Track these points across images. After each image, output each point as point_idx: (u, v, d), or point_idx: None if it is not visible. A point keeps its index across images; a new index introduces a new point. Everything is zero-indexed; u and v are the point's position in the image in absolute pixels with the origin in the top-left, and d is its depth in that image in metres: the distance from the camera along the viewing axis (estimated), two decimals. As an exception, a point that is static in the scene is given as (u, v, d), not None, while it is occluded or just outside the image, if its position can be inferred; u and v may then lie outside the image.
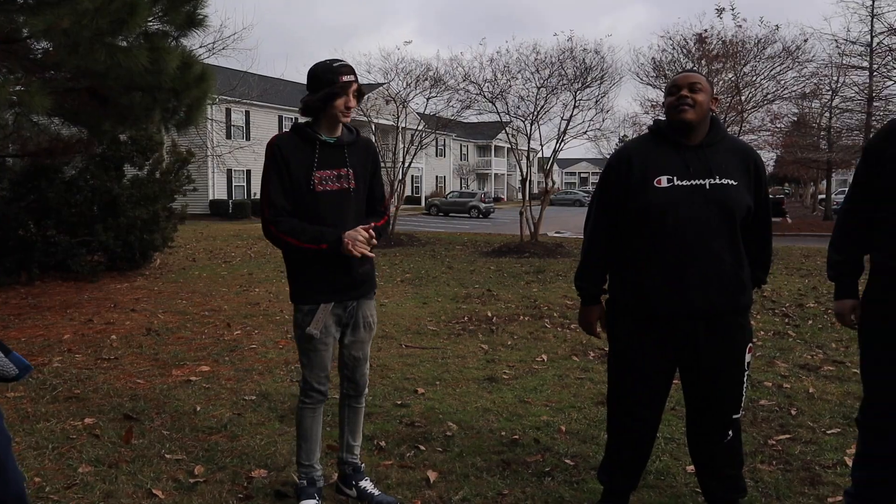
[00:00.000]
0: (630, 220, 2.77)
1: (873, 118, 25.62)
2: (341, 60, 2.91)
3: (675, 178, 2.69)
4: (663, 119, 2.86)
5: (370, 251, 2.91)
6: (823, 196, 35.08)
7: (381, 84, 21.83)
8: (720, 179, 2.68)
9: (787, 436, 4.02)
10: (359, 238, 2.86)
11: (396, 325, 7.38)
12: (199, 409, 4.51)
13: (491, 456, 3.75)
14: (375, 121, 20.60)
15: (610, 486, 2.99)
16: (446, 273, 12.17)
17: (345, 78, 2.86)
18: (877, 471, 2.77)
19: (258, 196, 26.71)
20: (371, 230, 2.93)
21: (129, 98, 7.34)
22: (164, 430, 4.12)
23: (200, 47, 18.54)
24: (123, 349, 6.21)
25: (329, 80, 2.87)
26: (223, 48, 18.33)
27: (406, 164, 18.85)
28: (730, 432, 2.81)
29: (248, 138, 34.79)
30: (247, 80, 27.49)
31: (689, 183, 2.68)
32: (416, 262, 14.03)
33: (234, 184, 34.68)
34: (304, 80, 3.04)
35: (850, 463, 3.58)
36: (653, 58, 19.76)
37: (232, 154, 26.48)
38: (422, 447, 3.86)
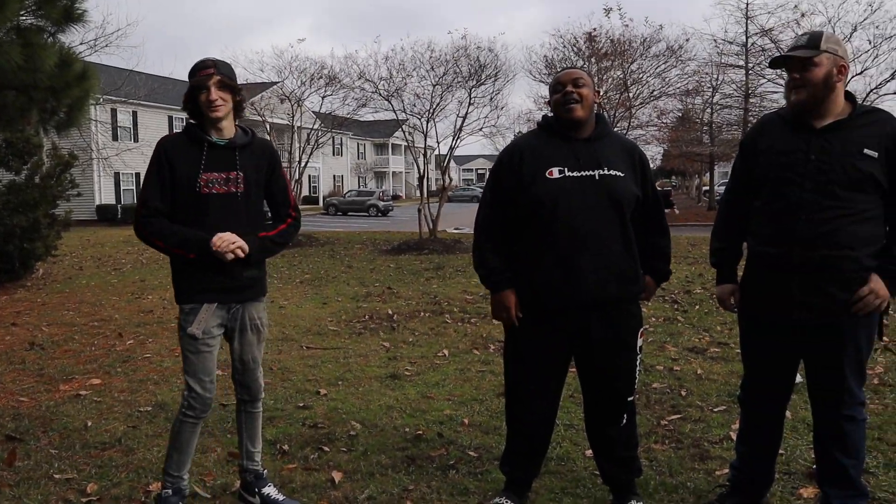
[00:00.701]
0: (522, 212, 2.84)
1: (750, 114, 27.11)
2: (210, 58, 2.86)
3: (565, 170, 2.78)
4: (552, 115, 2.95)
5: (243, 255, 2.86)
6: (707, 188, 36.84)
7: (275, 83, 21.45)
8: (609, 171, 2.79)
9: (678, 416, 4.23)
10: (228, 242, 2.81)
11: (297, 326, 7.28)
12: (90, 424, 4.32)
13: (395, 453, 3.77)
14: (270, 120, 20.21)
15: (511, 475, 3.06)
16: (346, 272, 12.10)
17: (203, 73, 2.81)
18: (757, 444, 2.96)
19: (148, 199, 25.79)
20: (257, 239, 2.90)
21: (2, 97, 6.92)
22: (51, 450, 3.92)
23: (81, 44, 17.64)
24: (4, 366, 5.86)
25: (191, 77, 2.83)
26: (106, 45, 17.54)
27: (303, 164, 18.58)
28: (625, 416, 2.93)
29: (136, 140, 33.40)
30: (133, 80, 26.40)
31: (579, 174, 2.78)
32: (316, 262, 13.88)
33: (122, 187, 33.25)
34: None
35: (734, 438, 3.80)
36: (545, 56, 20.23)
37: (119, 156, 25.36)
38: (326, 448, 3.84)
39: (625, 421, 2.94)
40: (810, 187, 2.66)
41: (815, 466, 3.33)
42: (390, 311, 8.00)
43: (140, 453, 3.84)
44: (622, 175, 2.81)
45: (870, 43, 19.63)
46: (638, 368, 2.93)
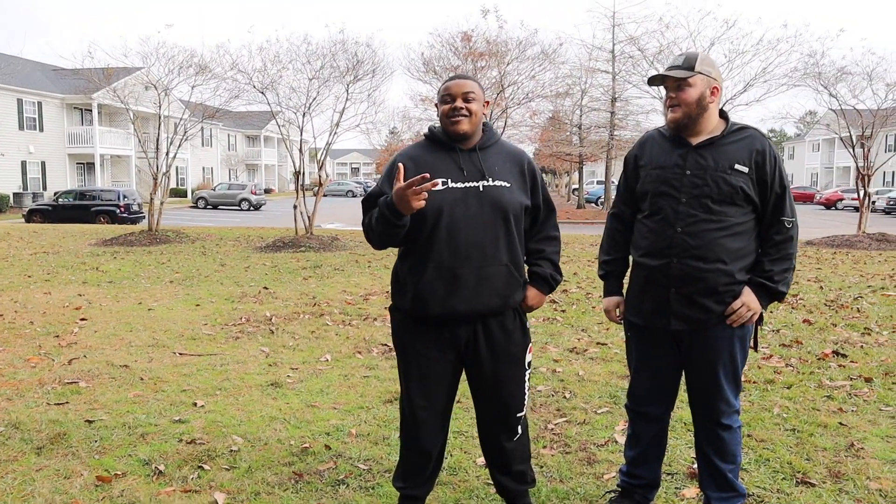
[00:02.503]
0: (409, 224, 2.78)
1: (616, 116, 28.34)
2: None
3: (449, 181, 2.74)
4: (438, 126, 2.91)
5: None
6: (576, 186, 38.19)
7: (139, 68, 20.35)
8: (494, 181, 2.77)
9: (564, 419, 4.31)
10: None
11: (168, 330, 6.91)
12: (-68, 447, 3.90)
13: (281, 468, 3.63)
14: (134, 108, 19.16)
15: (405, 492, 3.00)
16: (219, 271, 11.64)
17: None
18: (645, 450, 3.06)
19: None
20: None
21: None
22: None
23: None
24: None
25: None
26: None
27: (171, 155, 17.73)
28: (519, 429, 2.93)
29: (-21, 124, 30.88)
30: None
31: (463, 185, 2.74)
32: (186, 260, 13.27)
33: (-37, 175, 30.64)
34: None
35: (619, 440, 3.93)
36: (422, 53, 20.25)
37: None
38: (206, 466, 3.64)
39: (519, 434, 2.94)
40: (686, 200, 2.77)
41: (694, 466, 3.51)
42: (268, 314, 7.74)
43: (-7, 481, 3.49)
44: (508, 185, 2.80)
45: (725, 57, 20.94)
46: (527, 384, 2.93)
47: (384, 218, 2.66)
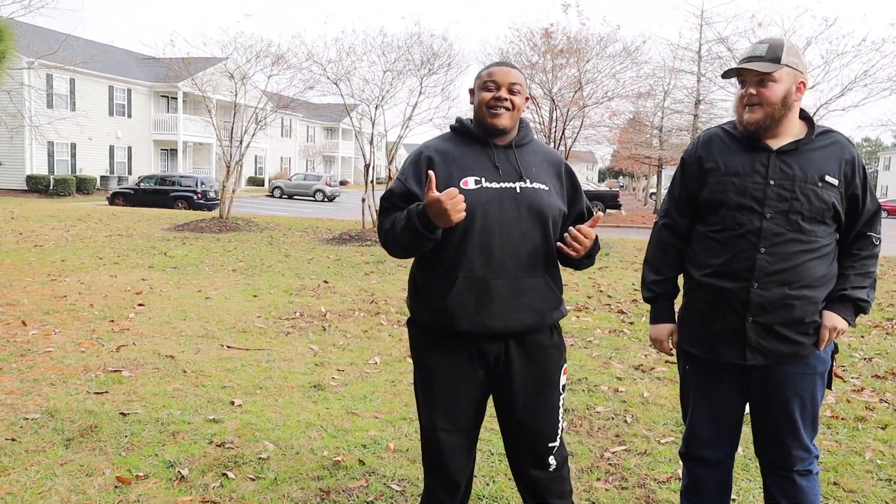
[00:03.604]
0: None
1: (699, 119, 27.34)
2: None
3: (482, 180, 2.40)
4: (467, 118, 2.57)
5: None
6: (654, 191, 37.16)
7: (220, 59, 20.66)
8: (531, 183, 2.43)
9: (623, 447, 3.91)
10: None
11: (220, 321, 6.78)
12: (-39, 432, 3.80)
13: (309, 483, 3.36)
14: (213, 96, 19.44)
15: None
16: (282, 262, 11.56)
17: None
18: (707, 500, 2.64)
19: (83, 172, 24.79)
20: None
21: None
22: None
23: (12, 2, 16.62)
24: None
25: None
26: (42, 6, 16.45)
27: (244, 144, 17.88)
28: (551, 461, 2.56)
29: (73, 108, 31.99)
30: (70, 44, 25.11)
31: (498, 186, 2.40)
32: (252, 248, 13.28)
33: (56, 158, 31.81)
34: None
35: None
36: (500, 48, 19.93)
37: (52, 125, 24.07)
38: (231, 474, 3.40)
39: (553, 466, 2.56)
40: (770, 216, 2.34)
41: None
42: (323, 309, 7.54)
43: (14, 475, 3.34)
44: (546, 188, 2.45)
45: (822, 58, 19.84)
46: (561, 410, 2.56)
47: (413, 230, 2.31)
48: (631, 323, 7.39)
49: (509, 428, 2.57)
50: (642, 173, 48.00)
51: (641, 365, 5.67)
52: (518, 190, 2.41)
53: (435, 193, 2.22)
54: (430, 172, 2.28)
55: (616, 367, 5.60)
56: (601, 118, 25.97)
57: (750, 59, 2.37)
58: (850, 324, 2.41)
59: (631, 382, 5.17)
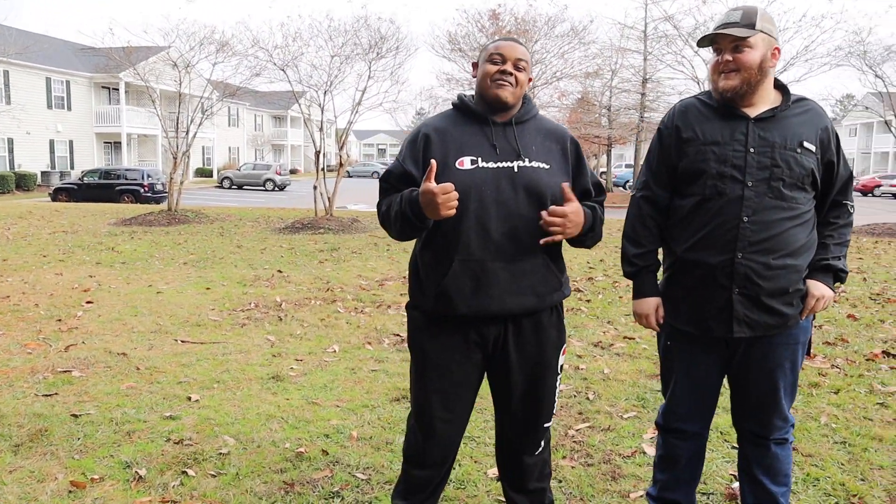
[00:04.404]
0: None
1: (647, 98, 27.65)
2: None
3: (479, 160, 2.35)
4: (469, 95, 2.51)
5: None
6: (605, 169, 37.51)
7: (163, 48, 20.14)
8: (530, 162, 2.37)
9: (587, 424, 3.92)
10: None
11: (173, 315, 6.62)
12: None
13: (272, 476, 3.29)
14: (157, 86, 18.95)
15: (406, 511, 2.63)
16: (235, 253, 11.35)
17: None
18: (679, 473, 2.66)
19: (23, 168, 23.94)
20: None
21: None
22: None
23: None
24: None
25: None
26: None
27: (192, 134, 17.49)
28: (542, 443, 2.55)
29: (8, 102, 30.90)
30: (2, 35, 24.20)
31: (495, 165, 2.35)
32: (203, 240, 13.02)
33: (-10, 152, 30.76)
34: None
35: (647, 450, 3.54)
36: (448, 31, 19.79)
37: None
38: (191, 472, 3.31)
39: (541, 447, 2.56)
40: (752, 184, 2.33)
41: (734, 485, 3.11)
42: (278, 299, 7.41)
43: (-41, 483, 3.20)
44: (547, 167, 2.39)
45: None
46: (557, 390, 2.55)
47: (404, 216, 2.28)
48: (588, 301, 7.44)
49: (505, 411, 2.54)
50: (592, 153, 48.49)
51: (600, 342, 5.71)
52: (516, 169, 2.35)
53: (431, 184, 2.18)
54: (433, 161, 2.23)
55: (576, 344, 5.62)
56: (550, 99, 26.11)
57: (725, 25, 2.35)
58: (833, 290, 2.43)
59: (591, 360, 5.19)
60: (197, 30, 17.76)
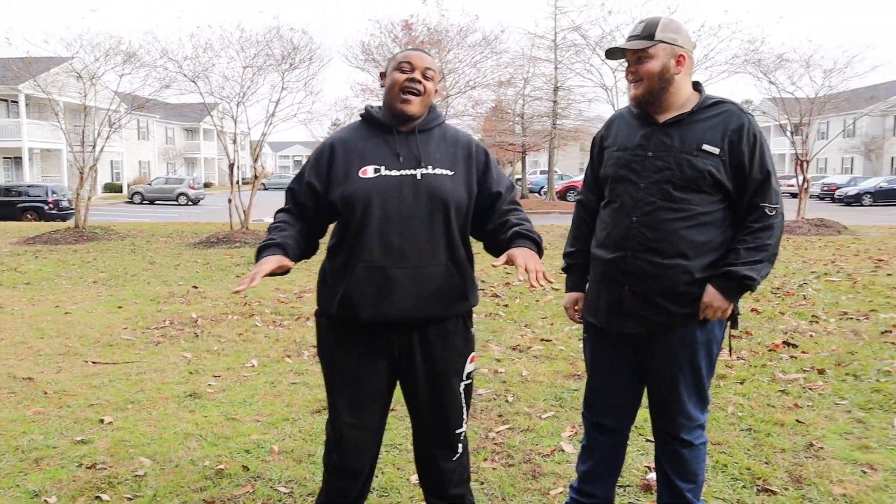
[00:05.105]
0: (334, 217, 2.44)
1: (558, 105, 28.27)
2: None
3: (382, 168, 2.38)
4: (375, 106, 2.54)
5: None
6: (520, 177, 38.08)
7: (66, 59, 19.40)
8: (432, 169, 2.41)
9: (507, 426, 3.99)
10: None
11: (83, 336, 6.38)
12: None
13: (192, 495, 3.22)
14: (60, 98, 18.24)
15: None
16: (147, 270, 11.02)
17: None
18: (600, 465, 2.74)
19: None
20: None
21: None
22: None
23: None
24: None
25: None
26: None
27: (99, 148, 16.88)
28: (459, 448, 2.58)
29: None
30: None
31: (398, 173, 2.38)
32: (113, 258, 12.59)
33: None
34: None
35: (566, 448, 3.63)
36: (362, 41, 19.78)
37: None
38: (105, 496, 3.21)
39: (459, 453, 2.59)
40: (644, 186, 2.44)
41: (649, 476, 3.23)
42: (194, 315, 7.24)
43: None
44: (451, 174, 2.42)
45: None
46: (464, 396, 2.55)
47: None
48: (506, 305, 7.56)
49: (417, 417, 2.56)
50: (507, 160, 49.21)
51: (518, 345, 5.81)
52: (419, 177, 2.37)
53: (261, 270, 2.22)
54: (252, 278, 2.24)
55: (494, 349, 5.71)
56: (465, 107, 26.39)
57: (628, 38, 2.48)
58: (731, 301, 2.42)
59: (510, 363, 5.29)
60: (102, 40, 17.09)
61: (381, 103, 2.55)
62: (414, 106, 2.39)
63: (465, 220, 2.46)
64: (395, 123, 2.44)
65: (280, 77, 16.42)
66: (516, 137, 32.93)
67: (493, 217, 2.50)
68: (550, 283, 2.20)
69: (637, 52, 2.43)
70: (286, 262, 2.30)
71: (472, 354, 2.55)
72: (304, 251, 2.52)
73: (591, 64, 23.86)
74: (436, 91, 2.51)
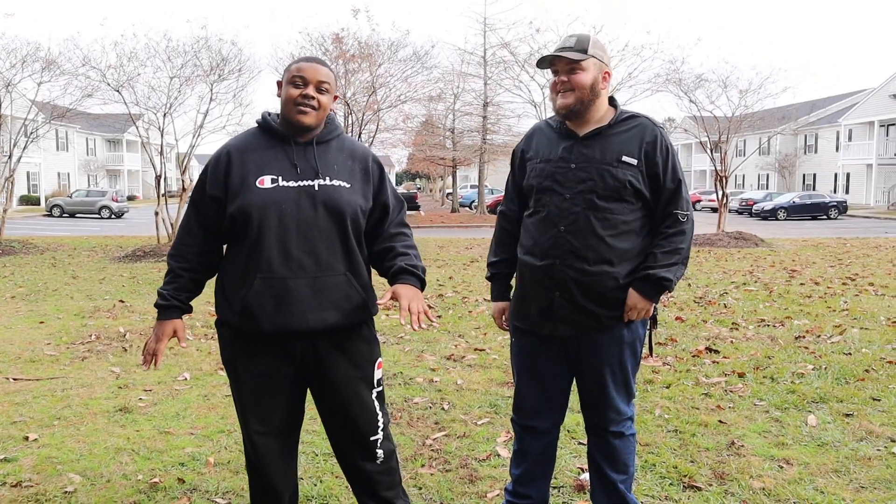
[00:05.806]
0: (231, 227, 2.43)
1: (488, 121, 28.68)
2: None
3: (279, 179, 2.40)
4: (272, 114, 2.56)
5: None
6: (450, 191, 38.38)
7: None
8: (331, 180, 2.44)
9: (443, 433, 4.05)
10: None
11: (2, 353, 6.15)
12: None
13: (125, 509, 3.17)
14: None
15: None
16: (70, 284, 10.68)
17: None
18: (531, 466, 2.83)
19: None
20: None
21: None
22: None
23: None
24: None
25: None
26: None
27: (14, 159, 16.27)
28: (379, 453, 2.60)
29: None
30: None
31: (296, 184, 2.40)
32: (32, 272, 12.14)
33: None
34: None
35: (501, 453, 3.71)
36: (292, 53, 19.69)
37: None
38: (32, 513, 3.13)
39: (381, 458, 2.61)
40: (570, 196, 2.56)
41: (582, 476, 3.34)
42: (122, 329, 7.07)
43: None
44: (347, 185, 2.46)
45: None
46: (377, 404, 2.58)
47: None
48: (439, 316, 7.64)
49: (329, 424, 2.58)
50: (438, 174, 49.57)
51: (452, 354, 5.89)
52: (316, 188, 2.40)
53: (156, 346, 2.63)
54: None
55: (429, 359, 5.78)
56: (396, 122, 26.50)
57: (562, 49, 2.58)
58: (653, 302, 2.59)
59: (444, 372, 5.36)
60: (18, 46, 16.52)
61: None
62: (309, 118, 2.41)
63: (360, 231, 2.52)
64: (292, 133, 2.46)
65: (209, 88, 16.20)
66: (447, 152, 33.26)
67: (379, 238, 2.58)
68: (431, 322, 2.39)
69: (571, 63, 2.54)
70: (182, 333, 2.61)
71: (379, 360, 2.59)
72: (204, 282, 2.61)
73: (520, 80, 24.36)
74: (335, 98, 2.54)
